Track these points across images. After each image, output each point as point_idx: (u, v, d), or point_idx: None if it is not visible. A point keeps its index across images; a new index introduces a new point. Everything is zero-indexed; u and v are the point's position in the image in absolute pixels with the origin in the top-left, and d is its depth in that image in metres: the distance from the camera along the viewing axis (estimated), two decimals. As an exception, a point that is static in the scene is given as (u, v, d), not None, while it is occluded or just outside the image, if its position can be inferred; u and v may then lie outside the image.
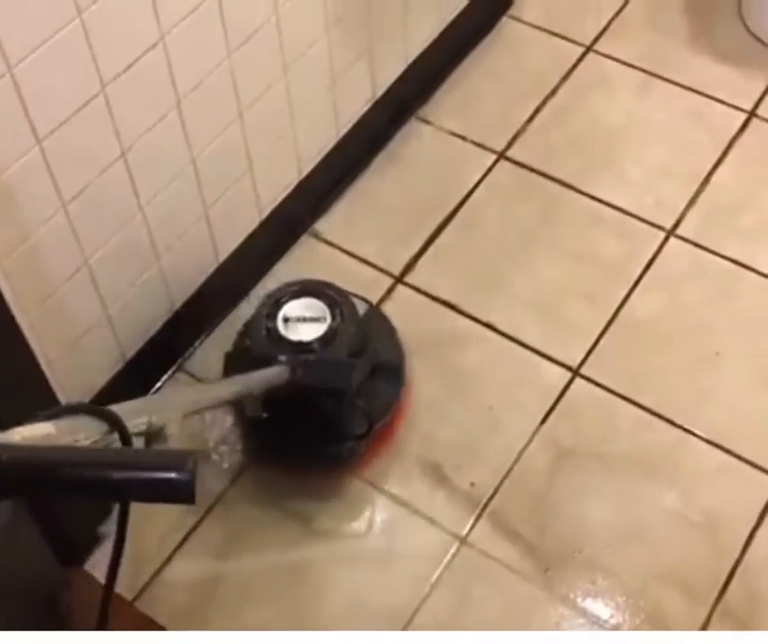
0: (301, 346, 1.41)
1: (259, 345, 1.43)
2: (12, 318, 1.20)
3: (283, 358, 1.36)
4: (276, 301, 1.47)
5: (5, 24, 1.12)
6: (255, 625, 1.42)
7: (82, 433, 0.69)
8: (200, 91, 1.45)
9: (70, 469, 0.62)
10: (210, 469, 1.54)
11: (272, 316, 1.44)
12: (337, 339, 1.42)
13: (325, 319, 1.43)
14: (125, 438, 0.72)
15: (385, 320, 1.59)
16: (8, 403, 1.13)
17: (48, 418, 0.70)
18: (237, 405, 1.49)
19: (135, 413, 0.81)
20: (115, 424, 0.71)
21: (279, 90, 1.62)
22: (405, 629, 1.39)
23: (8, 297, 1.20)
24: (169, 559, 1.47)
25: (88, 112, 1.28)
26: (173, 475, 0.62)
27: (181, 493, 0.62)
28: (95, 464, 0.63)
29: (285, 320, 1.44)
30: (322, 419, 1.45)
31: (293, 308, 1.45)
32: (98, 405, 1.30)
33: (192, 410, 0.97)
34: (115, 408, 0.74)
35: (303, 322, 1.43)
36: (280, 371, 1.33)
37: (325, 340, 1.42)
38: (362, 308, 1.52)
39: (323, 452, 1.48)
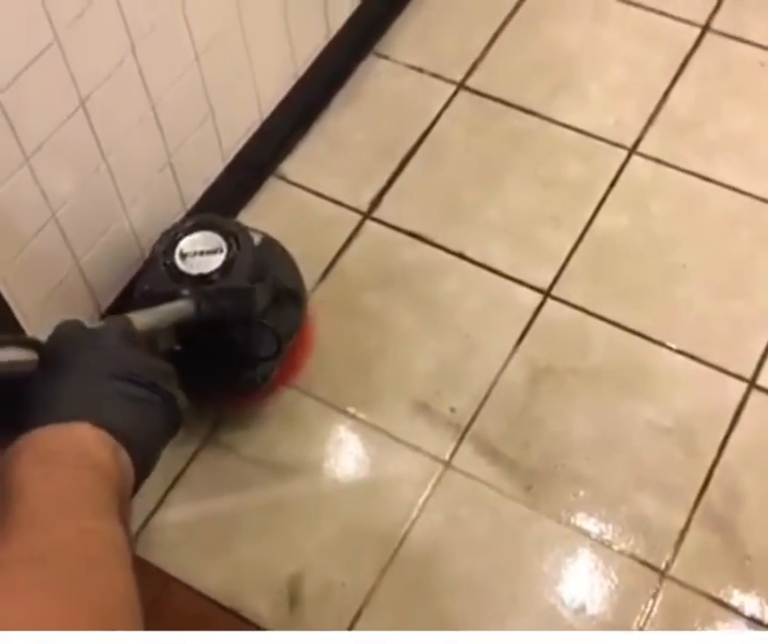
0: (201, 279, 1.40)
1: (159, 283, 1.41)
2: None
3: (185, 292, 1.35)
4: (171, 239, 1.45)
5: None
6: (249, 560, 1.43)
7: (17, 366, 0.67)
8: (155, 35, 1.43)
9: None
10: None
11: (169, 253, 1.43)
12: (236, 267, 1.42)
13: (222, 250, 1.42)
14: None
15: (281, 249, 1.58)
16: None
17: None
18: (150, 342, 1.47)
19: None
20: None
21: (234, 30, 1.61)
22: (396, 552, 1.41)
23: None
24: (159, 505, 1.49)
25: (43, 61, 1.26)
26: None
27: None
28: None
29: (183, 256, 1.43)
30: (233, 347, 1.45)
31: (188, 243, 1.44)
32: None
33: None
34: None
35: (201, 255, 1.43)
36: (186, 305, 1.33)
37: (224, 269, 1.41)
38: (257, 238, 1.50)
39: (237, 378, 1.48)
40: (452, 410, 1.54)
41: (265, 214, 1.76)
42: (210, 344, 1.39)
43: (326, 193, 1.80)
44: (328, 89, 1.93)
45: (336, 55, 1.92)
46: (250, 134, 1.75)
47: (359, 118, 1.92)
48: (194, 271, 1.41)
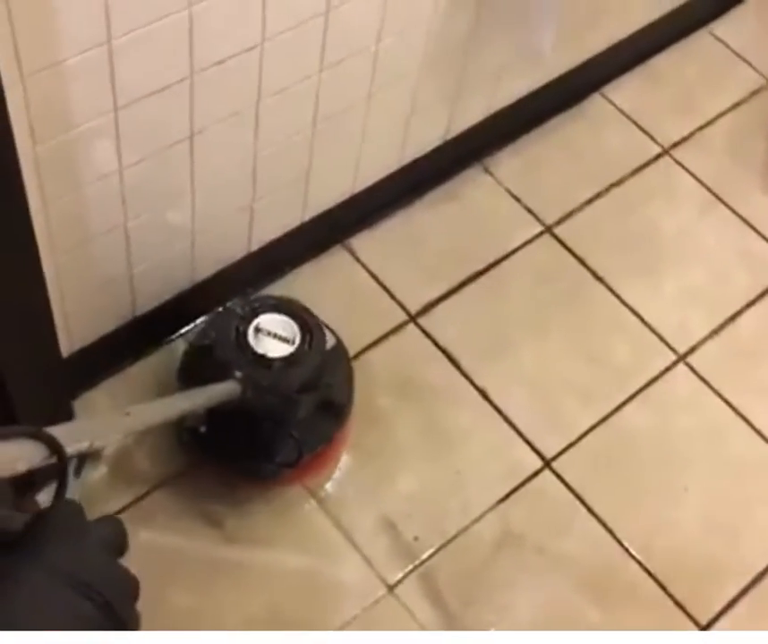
0: (262, 360, 1.44)
1: (223, 344, 1.45)
2: (38, 258, 1.29)
3: (239, 374, 1.39)
4: (253, 308, 1.49)
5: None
6: (175, 612, 1.49)
7: (22, 460, 0.70)
8: (282, 97, 1.50)
9: None
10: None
11: (246, 320, 1.47)
12: (298, 366, 1.45)
13: (293, 343, 1.46)
14: (63, 464, 0.73)
15: (348, 361, 1.63)
16: (10, 336, 1.24)
17: None
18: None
19: (78, 436, 0.86)
20: (56, 450, 0.71)
21: (358, 113, 1.67)
22: (309, 652, 1.49)
23: (42, 237, 1.30)
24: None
25: (172, 91, 1.33)
26: None
27: None
28: None
29: (257, 330, 1.47)
30: (255, 438, 1.49)
31: (267, 320, 1.48)
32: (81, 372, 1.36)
33: (137, 429, 1.01)
34: (58, 430, 0.74)
35: (273, 338, 1.46)
36: (233, 387, 1.37)
37: (286, 362, 1.45)
38: (331, 341, 1.55)
39: (249, 466, 1.54)
40: (415, 538, 1.60)
41: (319, 279, 1.84)
42: (235, 427, 1.45)
43: (384, 281, 1.87)
44: (426, 184, 2.00)
45: (444, 156, 1.97)
46: (335, 202, 1.83)
47: (443, 222, 1.98)
48: (259, 350, 1.45)
